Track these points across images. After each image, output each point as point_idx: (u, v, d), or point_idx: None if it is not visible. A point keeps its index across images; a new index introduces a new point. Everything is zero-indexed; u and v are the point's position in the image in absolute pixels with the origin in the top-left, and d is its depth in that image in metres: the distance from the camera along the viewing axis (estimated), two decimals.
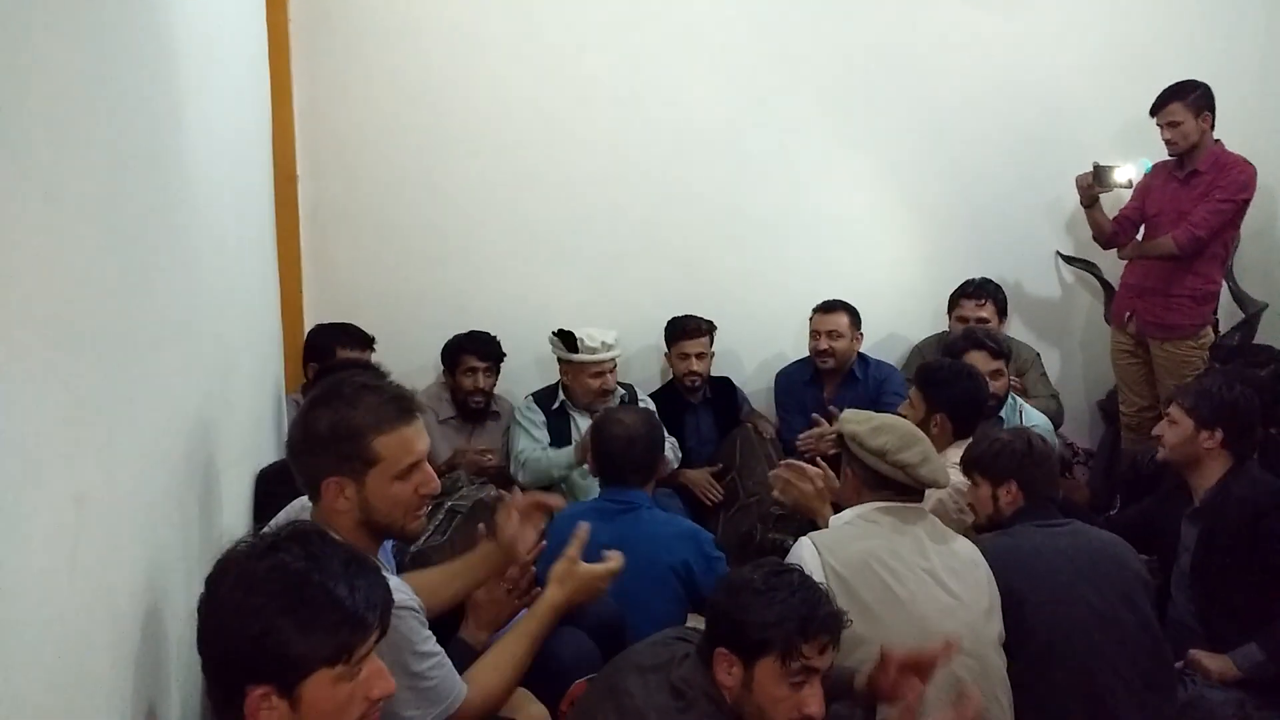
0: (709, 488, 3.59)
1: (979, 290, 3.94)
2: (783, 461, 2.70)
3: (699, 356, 3.77)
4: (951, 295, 4.00)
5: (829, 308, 3.85)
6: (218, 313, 2.15)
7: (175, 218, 1.76)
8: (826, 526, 2.41)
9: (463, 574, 2.00)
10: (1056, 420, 3.58)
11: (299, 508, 1.72)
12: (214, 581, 1.23)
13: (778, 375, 4.06)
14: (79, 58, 1.21)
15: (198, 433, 1.85)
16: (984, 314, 3.88)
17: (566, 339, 3.55)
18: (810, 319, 3.90)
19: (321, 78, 3.73)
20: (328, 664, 1.19)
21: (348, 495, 1.60)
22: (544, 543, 2.05)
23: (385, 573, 1.61)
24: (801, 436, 3.33)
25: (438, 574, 2.02)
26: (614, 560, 2.07)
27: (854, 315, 3.85)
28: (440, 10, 3.80)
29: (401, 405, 1.66)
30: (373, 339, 3.25)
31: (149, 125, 1.60)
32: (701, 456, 3.74)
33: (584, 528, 2.07)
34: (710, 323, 3.81)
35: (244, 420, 2.35)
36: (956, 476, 2.62)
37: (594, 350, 3.54)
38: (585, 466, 3.38)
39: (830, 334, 3.81)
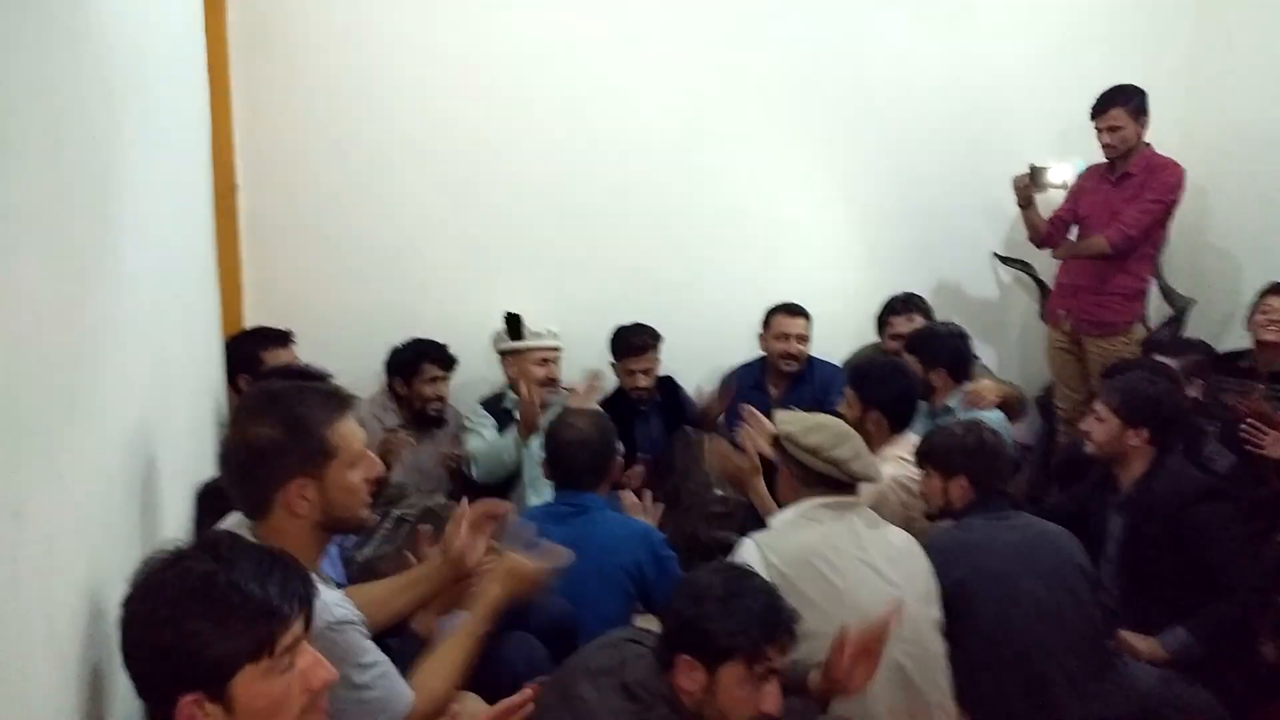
0: (644, 512, 3.61)
1: (905, 305, 3.97)
2: (713, 439, 2.88)
3: (645, 372, 3.79)
4: (879, 314, 4.04)
5: (794, 311, 3.90)
6: (157, 325, 2.12)
7: (114, 228, 1.74)
8: (759, 498, 2.54)
9: (410, 588, 1.99)
10: (1022, 405, 3.62)
11: (235, 524, 1.68)
12: (127, 598, 1.21)
13: (724, 377, 4.09)
14: (12, 69, 1.20)
15: (137, 446, 1.83)
16: (914, 327, 3.87)
17: (512, 322, 3.56)
18: (771, 321, 3.94)
19: (262, 88, 3.70)
20: (251, 659, 1.18)
21: (308, 496, 1.60)
22: (495, 558, 2.04)
23: (327, 587, 1.62)
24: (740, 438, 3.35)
25: (385, 587, 2.01)
26: (556, 555, 2.07)
27: (809, 319, 3.92)
28: (382, 21, 3.79)
29: (340, 397, 1.70)
30: (290, 333, 3.15)
31: (86, 135, 1.58)
32: (650, 459, 3.75)
33: (528, 528, 2.10)
34: (655, 336, 3.81)
35: (184, 434, 2.32)
36: (893, 469, 2.69)
37: (539, 335, 3.57)
38: (526, 447, 3.42)
39: (798, 337, 3.87)
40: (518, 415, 3.54)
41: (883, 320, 4.02)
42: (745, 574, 1.80)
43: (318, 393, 1.67)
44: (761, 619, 1.69)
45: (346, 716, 1.58)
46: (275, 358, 2.98)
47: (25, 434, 1.18)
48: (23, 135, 1.24)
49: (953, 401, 3.31)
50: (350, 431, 1.66)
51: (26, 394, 1.19)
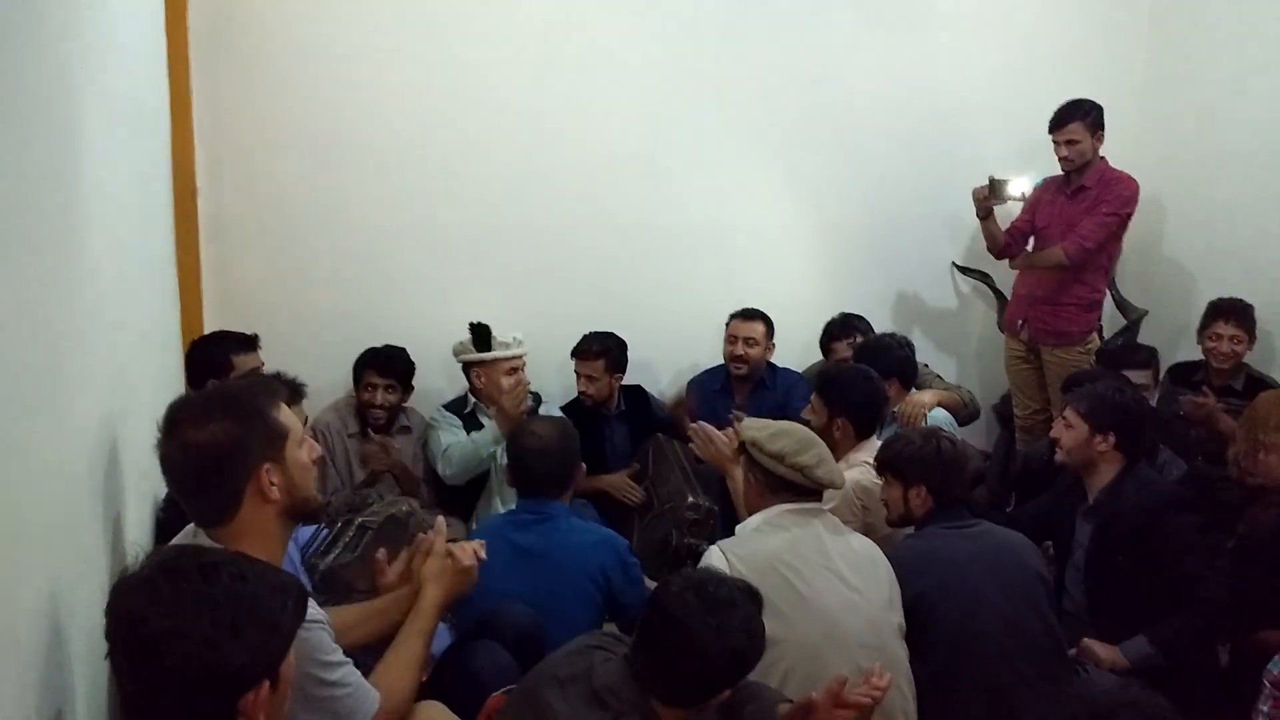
0: (629, 490, 3.62)
1: (844, 329, 3.97)
2: (692, 425, 2.89)
3: (589, 379, 3.78)
4: (821, 339, 4.05)
5: (748, 315, 3.94)
6: (117, 326, 2.09)
7: (72, 230, 1.72)
8: (736, 485, 2.55)
9: (377, 616, 2.02)
10: (972, 408, 3.67)
11: (190, 532, 1.67)
12: (159, 624, 1.16)
13: (689, 384, 4.12)
14: None
15: (98, 451, 1.80)
16: None
17: (480, 334, 3.55)
18: (727, 324, 3.97)
19: (223, 90, 3.65)
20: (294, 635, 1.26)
21: (275, 481, 1.61)
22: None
23: None
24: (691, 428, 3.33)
25: (353, 613, 2.03)
26: (473, 546, 2.05)
27: (769, 325, 3.95)
28: (346, 23, 3.76)
29: (270, 382, 1.79)
30: (256, 337, 3.09)
31: (44, 137, 1.56)
32: (618, 468, 3.76)
33: (439, 522, 2.12)
34: (604, 347, 3.78)
35: (144, 439, 2.27)
36: (855, 475, 2.72)
37: (506, 345, 3.56)
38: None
39: (747, 340, 3.89)
40: (488, 419, 3.52)
41: (826, 346, 4.03)
42: (724, 601, 1.73)
43: (251, 383, 1.73)
44: (744, 659, 1.73)
45: (322, 717, 1.59)
46: (244, 362, 2.93)
47: None
48: None
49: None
50: (289, 413, 1.69)
51: None
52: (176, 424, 1.58)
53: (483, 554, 2.05)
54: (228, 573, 1.21)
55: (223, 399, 1.64)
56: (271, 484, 1.60)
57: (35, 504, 1.36)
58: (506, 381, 3.51)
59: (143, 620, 1.16)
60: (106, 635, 1.21)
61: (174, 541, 1.70)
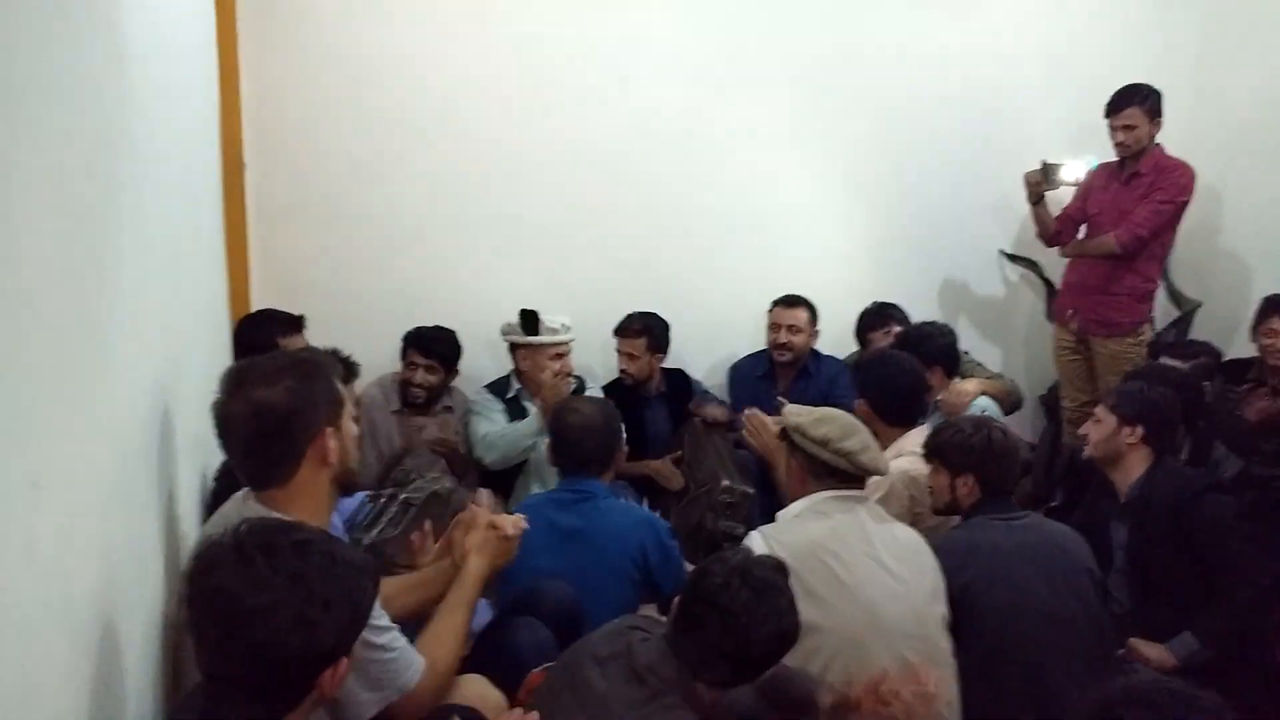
0: (672, 475, 3.62)
1: (880, 318, 3.94)
2: (747, 411, 2.87)
3: (630, 356, 3.79)
4: (856, 329, 4.02)
5: (790, 302, 3.92)
6: (169, 302, 2.11)
7: (127, 204, 1.73)
8: (779, 482, 2.54)
9: (418, 588, 2.04)
10: (1016, 397, 3.63)
11: (240, 496, 1.69)
12: (254, 601, 1.18)
13: (731, 368, 4.10)
14: (30, 41, 1.19)
15: (151, 422, 1.83)
16: (892, 339, 3.80)
17: (528, 319, 3.56)
18: (770, 312, 3.94)
19: (270, 65, 3.67)
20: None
21: (333, 445, 1.65)
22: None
23: None
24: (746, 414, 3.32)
25: (393, 584, 2.04)
26: (515, 519, 2.07)
27: (813, 311, 3.92)
28: (391, 2, 3.76)
29: (327, 356, 1.84)
30: (303, 318, 3.10)
31: (99, 109, 1.57)
32: (658, 450, 3.75)
33: (482, 494, 2.17)
34: (646, 325, 3.79)
35: (194, 413, 2.30)
36: (903, 464, 2.69)
37: (554, 331, 3.56)
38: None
39: (790, 328, 3.87)
40: (532, 405, 3.52)
41: (862, 336, 4.00)
42: (766, 589, 1.74)
43: (315, 350, 1.82)
44: (785, 641, 1.74)
45: (369, 679, 1.61)
46: (291, 344, 2.94)
47: (43, 404, 1.17)
48: (42, 106, 1.23)
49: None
50: (341, 386, 1.74)
51: (44, 366, 1.19)
52: (244, 382, 1.61)
53: (524, 524, 2.07)
54: (318, 551, 1.23)
55: (292, 361, 1.68)
56: (333, 445, 1.64)
57: (90, 472, 1.38)
58: (550, 369, 3.52)
59: (237, 596, 1.17)
60: (189, 604, 1.22)
61: (224, 508, 1.72)
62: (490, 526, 2.02)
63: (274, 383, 1.60)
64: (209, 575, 1.21)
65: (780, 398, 3.39)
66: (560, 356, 3.58)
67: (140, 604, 1.64)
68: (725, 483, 3.32)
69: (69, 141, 1.37)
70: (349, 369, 2.57)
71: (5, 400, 1.05)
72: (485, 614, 2.34)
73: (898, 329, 3.82)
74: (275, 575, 1.19)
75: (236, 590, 1.18)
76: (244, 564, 1.19)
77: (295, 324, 3.03)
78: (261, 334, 2.93)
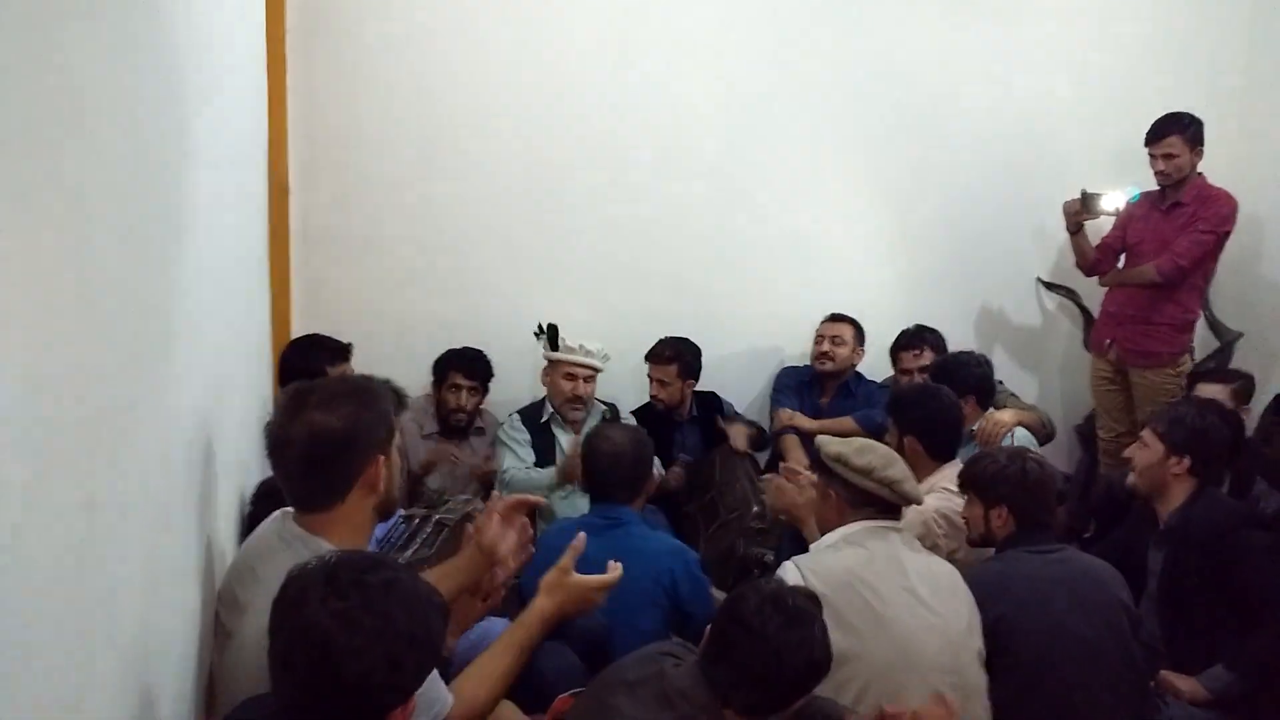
0: (673, 474, 3.65)
1: (914, 340, 3.93)
2: (784, 466, 2.81)
3: (661, 383, 3.81)
4: (891, 348, 4.02)
5: (835, 318, 4.03)
6: (216, 321, 2.16)
7: (182, 224, 1.78)
8: (809, 537, 2.47)
9: (444, 579, 1.95)
10: (1050, 429, 3.59)
11: (279, 516, 1.71)
12: (346, 642, 1.18)
13: (780, 371, 4.14)
14: (97, 64, 1.23)
15: (197, 443, 1.86)
16: (923, 361, 3.83)
17: (549, 334, 3.62)
18: (818, 327, 4.02)
19: (317, 89, 3.75)
20: None
21: (383, 474, 1.67)
22: (531, 549, 2.02)
23: None
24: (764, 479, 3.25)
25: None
26: (613, 571, 1.94)
27: (858, 329, 3.98)
28: (437, 24, 3.83)
29: (382, 386, 1.83)
30: (350, 346, 3.10)
31: (158, 129, 1.62)
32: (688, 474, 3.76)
33: (581, 538, 1.97)
34: (677, 352, 3.81)
35: (235, 435, 2.36)
36: (936, 501, 2.67)
37: (571, 350, 3.59)
38: (561, 491, 3.43)
39: (834, 339, 3.95)
40: (562, 433, 3.57)
41: (894, 355, 4.00)
42: (798, 621, 1.74)
43: (372, 378, 1.82)
44: (816, 676, 1.74)
45: None
46: (338, 372, 2.93)
47: (97, 424, 1.20)
48: (105, 128, 1.27)
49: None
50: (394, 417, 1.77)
51: (100, 385, 1.22)
52: (304, 405, 1.62)
53: (619, 573, 1.95)
54: (404, 589, 1.24)
55: (352, 388, 1.70)
56: (381, 474, 1.66)
57: (140, 492, 1.41)
58: (564, 385, 3.59)
59: (330, 634, 1.17)
60: (276, 636, 1.22)
61: (262, 527, 1.74)
62: (569, 571, 1.90)
63: (334, 409, 1.61)
64: (299, 611, 1.20)
65: (787, 408, 3.60)
66: (574, 379, 3.60)
67: (180, 622, 1.67)
68: (755, 509, 3.31)
69: (132, 160, 1.41)
70: (399, 400, 2.58)
71: (64, 418, 1.08)
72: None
73: (930, 353, 3.83)
74: (366, 614, 1.19)
75: (329, 628, 1.17)
76: (336, 599, 1.19)
77: (343, 352, 3.04)
78: (310, 361, 2.93)
